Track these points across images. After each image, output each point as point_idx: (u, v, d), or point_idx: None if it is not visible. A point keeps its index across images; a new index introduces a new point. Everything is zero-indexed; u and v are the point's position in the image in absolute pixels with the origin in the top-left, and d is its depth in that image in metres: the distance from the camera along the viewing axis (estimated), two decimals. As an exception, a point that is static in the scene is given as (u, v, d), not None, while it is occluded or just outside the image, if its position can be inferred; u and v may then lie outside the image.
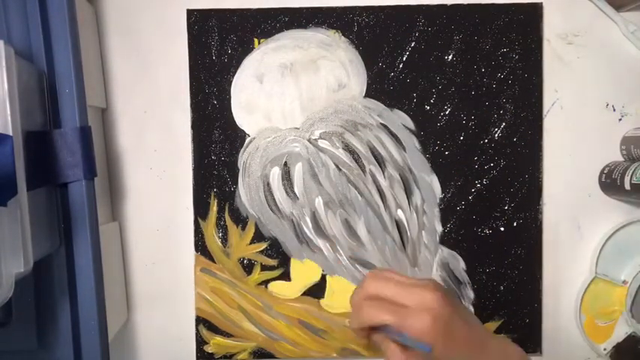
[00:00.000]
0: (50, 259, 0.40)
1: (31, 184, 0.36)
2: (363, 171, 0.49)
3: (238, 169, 0.50)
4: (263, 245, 0.50)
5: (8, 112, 0.34)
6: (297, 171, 0.49)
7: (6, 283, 0.33)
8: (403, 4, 0.49)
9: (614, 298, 0.50)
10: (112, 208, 0.50)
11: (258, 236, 0.50)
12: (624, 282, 0.49)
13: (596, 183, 0.50)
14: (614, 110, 0.50)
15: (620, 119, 0.50)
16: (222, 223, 0.50)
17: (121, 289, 0.50)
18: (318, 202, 0.49)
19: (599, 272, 0.49)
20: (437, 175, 0.50)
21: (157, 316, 0.51)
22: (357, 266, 0.50)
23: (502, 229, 0.50)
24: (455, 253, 0.50)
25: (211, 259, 0.50)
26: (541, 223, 0.50)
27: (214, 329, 0.50)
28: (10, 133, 0.34)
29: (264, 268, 0.50)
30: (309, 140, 0.49)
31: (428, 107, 0.49)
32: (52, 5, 0.40)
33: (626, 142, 0.49)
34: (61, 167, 0.39)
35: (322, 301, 0.50)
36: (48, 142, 0.39)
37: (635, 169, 0.45)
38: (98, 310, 0.40)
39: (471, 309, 0.50)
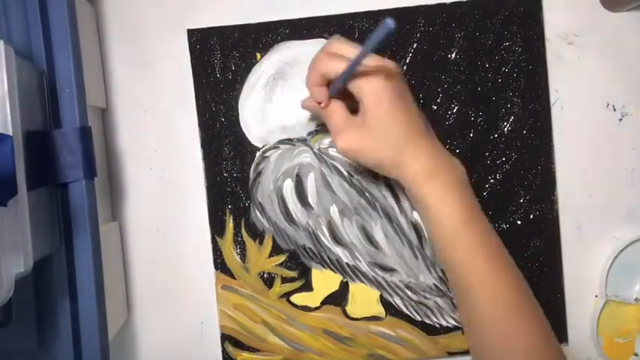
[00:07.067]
0: (50, 259, 0.40)
1: (31, 184, 0.36)
2: (375, 176, 0.49)
3: (251, 184, 0.50)
4: (282, 258, 0.50)
5: (8, 112, 0.34)
6: (310, 181, 0.49)
7: (6, 283, 0.33)
8: (402, 6, 0.49)
9: (629, 317, 0.50)
10: (112, 208, 0.50)
11: (276, 249, 0.50)
12: (636, 300, 0.49)
13: (597, 183, 0.50)
14: (615, 110, 0.50)
15: (620, 119, 0.50)
16: (239, 239, 0.50)
17: (121, 289, 0.50)
18: (333, 210, 0.49)
19: (609, 294, 0.49)
20: (450, 174, 0.49)
21: (157, 316, 0.51)
22: (377, 271, 0.50)
23: (519, 222, 0.50)
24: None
25: (231, 275, 0.50)
26: (557, 213, 0.50)
27: (240, 345, 0.50)
28: (10, 133, 0.34)
29: (284, 280, 0.50)
30: (318, 149, 0.49)
31: (435, 107, 0.49)
32: (52, 5, 0.40)
33: None
34: (61, 167, 0.40)
35: (346, 309, 0.50)
36: (48, 142, 0.39)
37: None
38: (98, 310, 0.40)
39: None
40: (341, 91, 0.41)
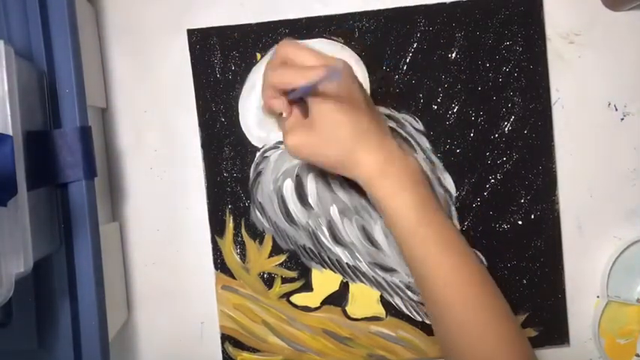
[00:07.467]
0: (50, 259, 0.40)
1: (31, 184, 0.36)
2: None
3: (251, 184, 0.50)
4: (282, 258, 0.50)
5: (8, 112, 0.34)
6: (310, 181, 0.49)
7: (6, 283, 0.33)
8: (402, 5, 0.49)
9: (631, 318, 0.49)
10: (112, 208, 0.50)
11: (276, 249, 0.50)
12: (638, 300, 0.49)
13: (598, 183, 0.50)
14: (616, 110, 0.50)
15: (622, 119, 0.50)
16: (239, 239, 0.50)
17: (121, 289, 0.50)
18: (333, 210, 0.49)
19: (610, 295, 0.49)
20: (450, 173, 0.49)
21: (157, 316, 0.51)
22: (378, 271, 0.50)
23: (520, 222, 0.50)
24: (475, 250, 0.49)
25: (231, 275, 0.50)
26: (558, 213, 0.50)
27: (240, 346, 0.50)
28: (10, 133, 0.34)
29: (284, 280, 0.50)
30: (319, 149, 0.49)
31: (435, 107, 0.49)
32: (52, 5, 0.40)
33: None
34: (61, 167, 0.40)
35: (346, 309, 0.50)
36: (48, 142, 0.39)
37: None
38: (98, 310, 0.40)
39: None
40: (296, 99, 0.42)
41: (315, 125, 0.40)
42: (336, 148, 0.41)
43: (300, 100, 0.43)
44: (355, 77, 0.42)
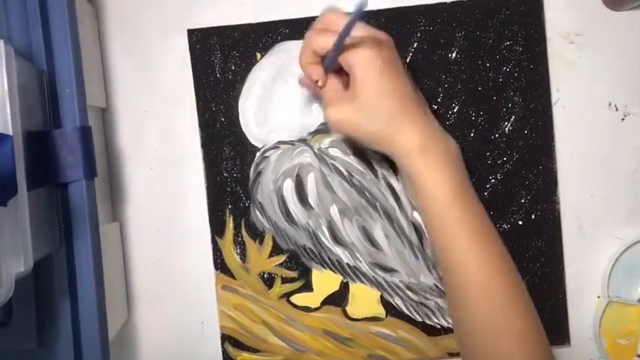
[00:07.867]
0: (50, 259, 0.40)
1: (31, 184, 0.36)
2: (376, 176, 0.49)
3: (251, 184, 0.50)
4: (282, 258, 0.50)
5: (8, 112, 0.34)
6: (310, 181, 0.49)
7: (6, 283, 0.33)
8: (402, 5, 0.49)
9: (632, 318, 0.49)
10: (112, 208, 0.51)
11: (277, 249, 0.50)
12: (639, 300, 0.49)
13: (599, 183, 0.50)
14: (617, 110, 0.50)
15: (622, 119, 0.50)
16: (239, 239, 0.50)
17: (121, 289, 0.50)
18: (334, 210, 0.49)
19: (611, 295, 0.49)
20: (450, 174, 0.49)
21: (157, 316, 0.51)
22: (378, 271, 0.50)
23: (520, 222, 0.49)
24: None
25: (231, 275, 0.50)
26: (559, 213, 0.50)
27: (240, 346, 0.50)
28: (10, 133, 0.34)
29: (284, 280, 0.50)
30: (319, 149, 0.49)
31: (436, 106, 0.49)
32: (52, 5, 0.40)
33: None
34: (61, 167, 0.40)
35: (346, 309, 0.50)
36: (48, 142, 0.39)
37: None
38: (98, 310, 0.40)
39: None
40: (333, 66, 0.40)
41: (358, 95, 0.39)
42: (377, 120, 0.39)
43: (339, 73, 0.41)
44: (395, 51, 0.41)
